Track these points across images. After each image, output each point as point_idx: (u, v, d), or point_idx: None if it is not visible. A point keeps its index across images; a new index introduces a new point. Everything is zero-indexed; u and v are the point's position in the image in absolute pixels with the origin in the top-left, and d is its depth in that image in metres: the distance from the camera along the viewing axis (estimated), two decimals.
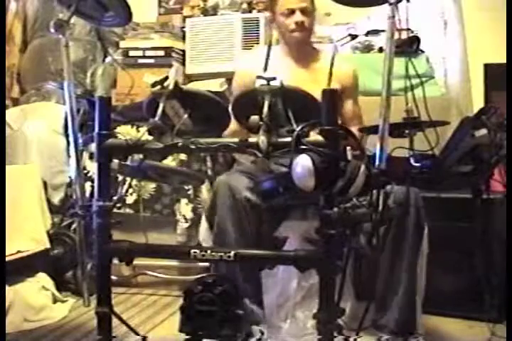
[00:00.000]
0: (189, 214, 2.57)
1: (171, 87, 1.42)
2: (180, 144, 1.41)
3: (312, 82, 1.95)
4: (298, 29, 2.03)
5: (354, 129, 1.96)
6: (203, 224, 1.87)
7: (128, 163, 1.47)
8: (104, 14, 2.16)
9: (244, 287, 1.72)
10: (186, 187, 2.55)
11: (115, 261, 1.50)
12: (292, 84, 1.42)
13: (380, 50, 2.91)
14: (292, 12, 2.02)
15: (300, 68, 2.10)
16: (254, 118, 1.34)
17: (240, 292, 1.56)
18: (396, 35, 1.74)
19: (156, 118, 1.42)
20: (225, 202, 1.72)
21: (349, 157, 1.34)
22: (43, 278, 2.36)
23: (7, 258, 2.15)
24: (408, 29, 2.81)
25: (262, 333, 1.73)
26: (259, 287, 1.80)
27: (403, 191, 1.67)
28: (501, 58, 2.29)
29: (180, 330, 1.48)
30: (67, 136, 2.56)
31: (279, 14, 2.05)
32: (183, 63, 3.21)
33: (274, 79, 1.35)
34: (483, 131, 2.01)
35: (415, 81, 1.73)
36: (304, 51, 2.12)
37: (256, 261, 1.50)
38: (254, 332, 1.69)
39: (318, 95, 1.35)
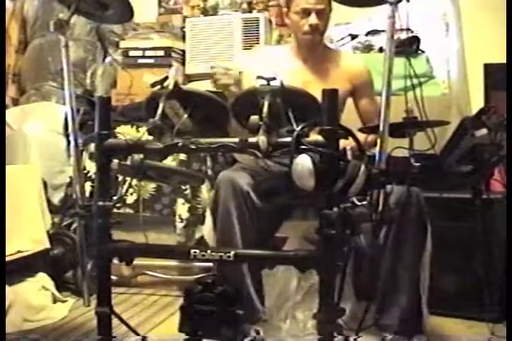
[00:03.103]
0: (185, 214, 2.57)
1: (170, 87, 1.42)
2: (180, 144, 1.41)
3: (320, 83, 1.94)
4: (311, 32, 1.97)
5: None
6: (208, 223, 1.87)
7: (128, 163, 1.47)
8: (104, 12, 2.17)
9: (247, 286, 1.73)
10: (183, 187, 2.55)
11: (115, 261, 1.50)
12: (298, 85, 1.41)
13: (380, 50, 2.91)
14: (307, 13, 1.94)
15: (308, 70, 2.06)
16: (254, 118, 1.34)
17: (243, 291, 1.56)
18: (396, 36, 1.75)
19: (156, 118, 1.42)
20: (227, 197, 1.72)
21: (349, 157, 1.34)
22: (43, 278, 2.36)
23: (7, 258, 2.14)
24: (408, 29, 2.81)
25: (258, 333, 1.73)
26: (261, 286, 1.80)
27: (403, 191, 1.67)
28: (501, 58, 2.29)
29: (180, 330, 1.48)
30: (67, 136, 2.56)
31: (294, 12, 1.97)
32: (183, 63, 3.21)
33: (274, 79, 1.35)
34: (483, 131, 2.01)
35: (415, 81, 1.73)
36: (314, 52, 2.06)
37: (256, 261, 1.50)
38: (250, 331, 1.69)
39: None
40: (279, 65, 1.97)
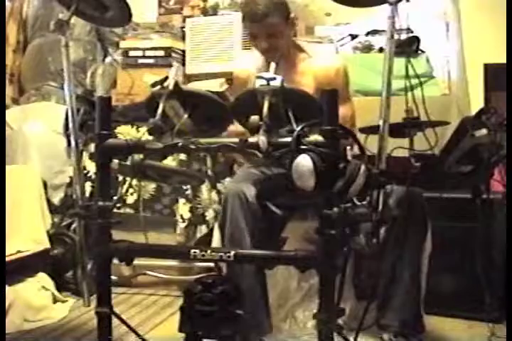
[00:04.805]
0: (187, 214, 2.57)
1: (171, 87, 1.42)
2: (180, 144, 1.41)
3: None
4: (265, 53, 1.90)
5: None
6: (216, 236, 1.86)
7: (128, 163, 1.47)
8: (104, 14, 2.17)
9: (250, 288, 1.73)
10: (184, 187, 2.55)
11: (115, 261, 1.50)
12: None
13: (380, 50, 2.91)
14: (255, 37, 1.88)
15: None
16: (254, 118, 1.33)
17: (246, 293, 1.56)
18: (396, 36, 1.75)
19: (156, 118, 1.42)
20: (237, 210, 1.73)
21: (349, 157, 1.34)
22: (43, 278, 2.36)
23: (7, 258, 2.15)
24: (408, 29, 2.82)
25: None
26: (265, 289, 1.80)
27: (404, 191, 1.67)
28: (501, 58, 2.29)
29: (180, 330, 1.48)
30: (67, 136, 2.56)
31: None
32: (183, 63, 3.21)
33: (274, 79, 1.35)
34: (483, 131, 2.01)
35: (415, 81, 1.73)
36: (281, 59, 1.91)
37: (256, 261, 1.50)
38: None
39: None
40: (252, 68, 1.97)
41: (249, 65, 2.05)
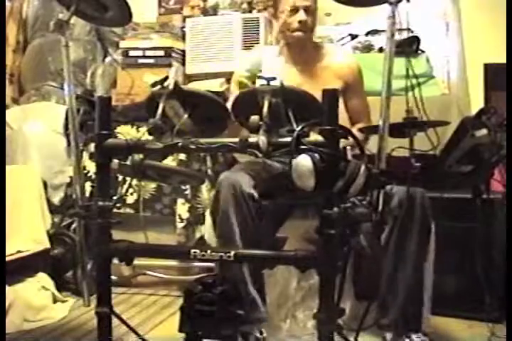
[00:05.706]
0: (185, 214, 2.57)
1: (171, 87, 1.42)
2: (180, 144, 1.41)
3: (311, 83, 1.95)
4: (300, 28, 2.00)
5: (362, 126, 1.98)
6: (208, 221, 1.87)
7: (128, 163, 1.47)
8: (104, 14, 2.17)
9: (248, 285, 1.73)
10: (183, 187, 2.55)
11: (115, 261, 1.50)
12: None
13: (380, 50, 2.91)
14: (296, 10, 1.99)
15: (299, 71, 2.07)
16: (254, 118, 1.33)
17: (244, 291, 1.56)
18: (396, 36, 1.75)
19: (156, 118, 1.42)
20: (228, 198, 1.73)
21: (349, 157, 1.34)
22: (43, 278, 2.36)
23: (7, 258, 2.15)
24: (408, 29, 2.82)
25: (261, 333, 1.74)
26: (263, 286, 1.80)
27: (405, 192, 1.67)
28: (501, 58, 2.29)
29: (180, 330, 1.48)
30: (67, 135, 2.57)
31: (281, 12, 2.02)
32: (183, 63, 3.21)
33: (274, 79, 1.35)
34: (483, 131, 2.01)
35: (415, 81, 1.73)
36: (305, 51, 2.08)
37: (256, 261, 1.50)
38: (253, 331, 1.70)
39: (319, 95, 1.35)
40: (270, 67, 1.99)
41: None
